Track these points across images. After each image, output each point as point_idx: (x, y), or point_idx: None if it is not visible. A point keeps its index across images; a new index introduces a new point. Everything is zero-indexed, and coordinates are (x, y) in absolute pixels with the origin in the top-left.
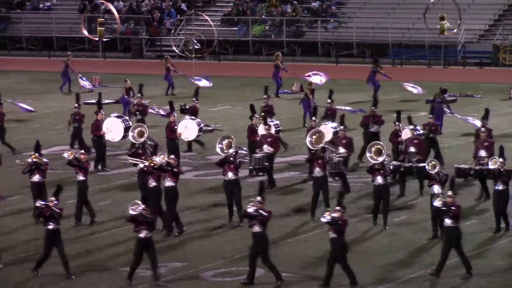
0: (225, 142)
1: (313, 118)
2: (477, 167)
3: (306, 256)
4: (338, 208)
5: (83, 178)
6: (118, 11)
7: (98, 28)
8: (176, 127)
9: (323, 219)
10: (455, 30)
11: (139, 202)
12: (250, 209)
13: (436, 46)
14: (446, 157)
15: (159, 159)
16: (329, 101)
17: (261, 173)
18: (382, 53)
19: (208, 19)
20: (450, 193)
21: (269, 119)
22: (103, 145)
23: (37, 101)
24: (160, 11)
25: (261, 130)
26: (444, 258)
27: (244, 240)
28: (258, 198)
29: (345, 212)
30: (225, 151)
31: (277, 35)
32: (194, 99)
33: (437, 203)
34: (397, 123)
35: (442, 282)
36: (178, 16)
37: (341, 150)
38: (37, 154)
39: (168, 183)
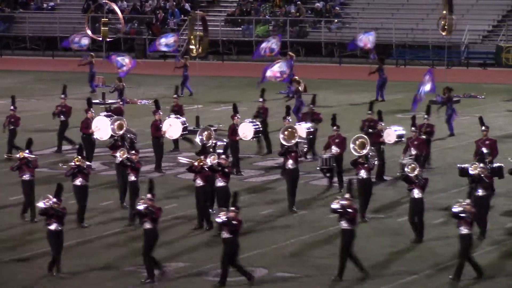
0: (205, 133)
1: (288, 117)
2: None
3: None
4: (233, 208)
5: (135, 178)
6: (122, 11)
7: (102, 28)
8: (161, 125)
9: (218, 220)
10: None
11: (50, 196)
12: (141, 207)
13: (439, 47)
14: (449, 157)
15: (209, 160)
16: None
17: (328, 174)
18: (386, 53)
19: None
20: (347, 195)
21: (250, 120)
22: (93, 142)
23: (41, 100)
24: (164, 11)
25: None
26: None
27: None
28: (149, 195)
29: (239, 212)
30: (204, 142)
31: (281, 36)
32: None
33: (334, 205)
34: (380, 123)
35: None
36: (182, 16)
37: (334, 148)
38: (79, 157)
39: (220, 183)
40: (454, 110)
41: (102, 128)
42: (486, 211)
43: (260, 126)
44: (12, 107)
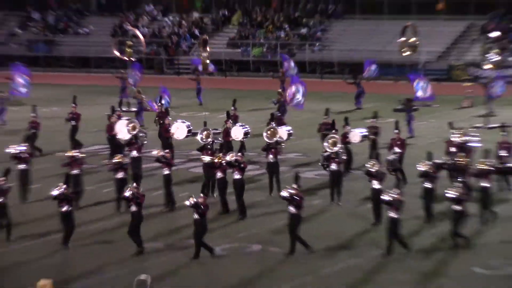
0: (204, 133)
1: (272, 122)
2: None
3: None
4: (201, 195)
5: (168, 172)
6: (143, 36)
7: (127, 50)
8: (170, 128)
9: (187, 203)
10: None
11: (61, 184)
12: (127, 193)
13: (402, 65)
14: (409, 156)
15: (229, 157)
16: (232, 108)
17: (393, 173)
18: (358, 70)
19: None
20: (295, 186)
21: (240, 124)
22: (117, 142)
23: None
24: (178, 36)
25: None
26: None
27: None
28: (134, 184)
29: (207, 198)
30: (204, 140)
31: (272, 56)
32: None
33: (283, 193)
34: (347, 126)
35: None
36: (192, 40)
37: (396, 149)
38: (121, 155)
39: (236, 176)
40: (412, 116)
41: (123, 130)
42: (431, 200)
43: (249, 129)
44: (73, 104)
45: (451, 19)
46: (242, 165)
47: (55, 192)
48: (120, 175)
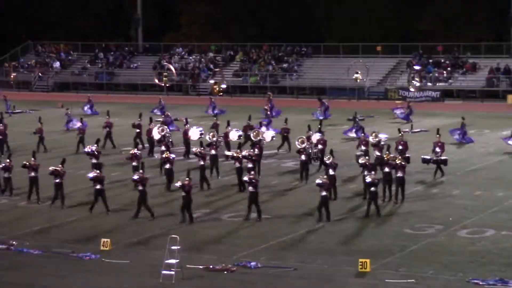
0: (211, 134)
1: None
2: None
3: None
4: (187, 178)
5: (202, 163)
6: (175, 69)
7: (164, 78)
8: (188, 131)
9: (177, 184)
10: (364, 80)
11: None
12: (135, 176)
13: (353, 88)
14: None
15: (244, 152)
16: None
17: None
18: (324, 92)
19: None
20: (252, 172)
21: (236, 129)
22: (152, 143)
23: (125, 118)
24: (198, 69)
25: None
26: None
27: None
28: (141, 171)
29: (191, 180)
30: (210, 139)
31: (264, 83)
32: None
33: (245, 178)
34: (310, 131)
35: None
36: (209, 71)
37: (319, 146)
38: (168, 152)
39: (249, 165)
40: (358, 125)
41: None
42: (335, 183)
43: (241, 132)
44: (107, 116)
45: (386, 57)
46: (253, 158)
47: (90, 175)
48: (167, 166)
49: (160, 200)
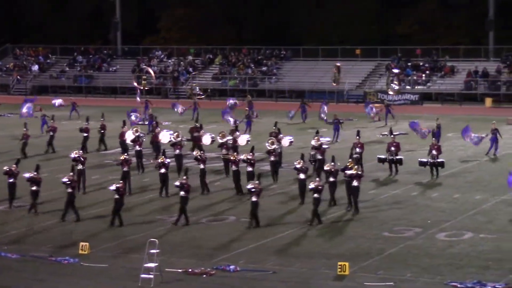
0: (220, 134)
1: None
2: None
3: None
4: (184, 177)
5: (203, 167)
6: (154, 72)
7: (143, 82)
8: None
9: (176, 183)
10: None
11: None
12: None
13: (332, 92)
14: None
15: (243, 156)
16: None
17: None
18: (302, 95)
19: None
20: (184, 177)
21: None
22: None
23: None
24: (177, 72)
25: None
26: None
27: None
28: (184, 177)
29: (188, 179)
30: (221, 139)
31: (243, 86)
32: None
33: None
34: (280, 135)
35: None
36: (188, 75)
37: (357, 149)
38: (164, 157)
39: (249, 168)
40: (338, 128)
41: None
42: (334, 190)
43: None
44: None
45: (365, 60)
46: (252, 161)
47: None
48: (162, 170)
49: (140, 204)
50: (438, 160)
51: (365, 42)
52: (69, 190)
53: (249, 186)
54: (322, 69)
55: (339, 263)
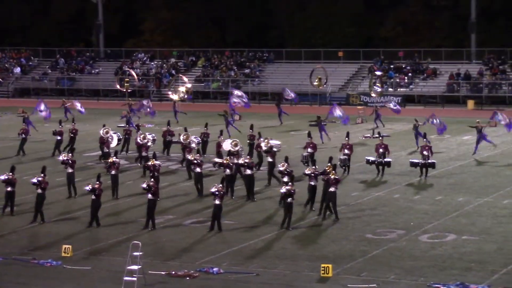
0: (141, 135)
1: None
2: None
3: None
4: (152, 180)
5: (199, 171)
6: (136, 74)
7: (125, 84)
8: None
9: (143, 185)
10: (325, 85)
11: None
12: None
13: (315, 94)
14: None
15: (241, 160)
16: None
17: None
18: (279, 98)
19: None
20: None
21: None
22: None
23: (91, 124)
24: (160, 74)
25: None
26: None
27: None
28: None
29: (102, 184)
30: (142, 141)
31: (226, 88)
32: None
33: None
34: (261, 138)
35: None
36: (170, 77)
37: (309, 150)
38: (154, 159)
39: (247, 172)
40: (324, 128)
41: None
42: (314, 194)
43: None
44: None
45: (347, 63)
46: (250, 165)
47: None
48: (113, 172)
49: (122, 206)
50: (429, 161)
51: (348, 44)
52: (39, 191)
53: (213, 190)
54: (305, 72)
55: (322, 265)
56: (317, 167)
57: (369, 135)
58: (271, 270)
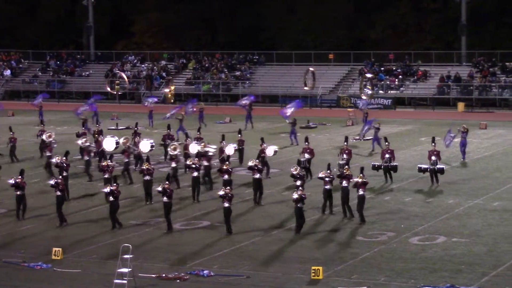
0: (124, 139)
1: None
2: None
3: None
4: (167, 182)
5: (196, 174)
6: (127, 77)
7: (116, 86)
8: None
9: (158, 188)
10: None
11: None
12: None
13: (305, 96)
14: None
15: (250, 162)
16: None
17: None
18: (275, 100)
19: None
20: (167, 183)
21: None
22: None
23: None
24: (151, 77)
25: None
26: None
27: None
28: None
29: (170, 184)
30: (125, 145)
31: (216, 91)
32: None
33: (105, 190)
34: (239, 135)
35: None
36: (161, 79)
37: (306, 155)
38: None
39: (255, 176)
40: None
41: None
42: (331, 198)
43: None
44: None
45: (338, 65)
46: (259, 168)
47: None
48: (147, 177)
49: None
50: (438, 166)
51: (338, 47)
52: (18, 192)
53: (221, 193)
54: (295, 74)
55: (313, 267)
56: (333, 170)
57: (358, 137)
58: (261, 273)
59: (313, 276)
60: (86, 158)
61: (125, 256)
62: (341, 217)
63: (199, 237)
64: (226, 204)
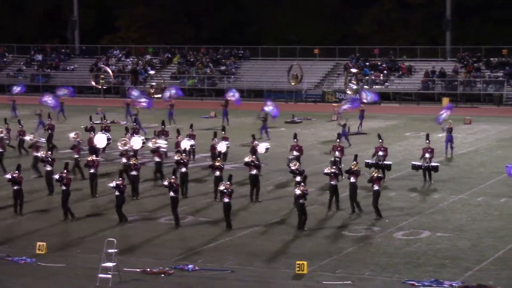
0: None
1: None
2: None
3: None
4: (173, 177)
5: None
6: (112, 71)
7: (100, 81)
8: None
9: (165, 182)
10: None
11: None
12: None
13: (290, 91)
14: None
15: (247, 159)
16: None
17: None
18: (260, 95)
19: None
20: (173, 177)
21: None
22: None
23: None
24: (136, 71)
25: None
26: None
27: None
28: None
29: (176, 179)
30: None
31: (201, 85)
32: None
33: (111, 184)
34: (255, 141)
35: None
36: (146, 74)
37: (295, 153)
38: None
39: (252, 172)
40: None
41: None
42: (337, 194)
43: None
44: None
45: (323, 60)
46: (257, 164)
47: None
48: (134, 172)
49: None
50: (432, 164)
51: (323, 41)
52: (15, 187)
53: (221, 188)
54: (280, 69)
55: (297, 262)
56: (343, 165)
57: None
58: (246, 267)
59: (298, 270)
60: (35, 153)
61: (110, 250)
62: (336, 212)
63: (183, 231)
64: (226, 199)
